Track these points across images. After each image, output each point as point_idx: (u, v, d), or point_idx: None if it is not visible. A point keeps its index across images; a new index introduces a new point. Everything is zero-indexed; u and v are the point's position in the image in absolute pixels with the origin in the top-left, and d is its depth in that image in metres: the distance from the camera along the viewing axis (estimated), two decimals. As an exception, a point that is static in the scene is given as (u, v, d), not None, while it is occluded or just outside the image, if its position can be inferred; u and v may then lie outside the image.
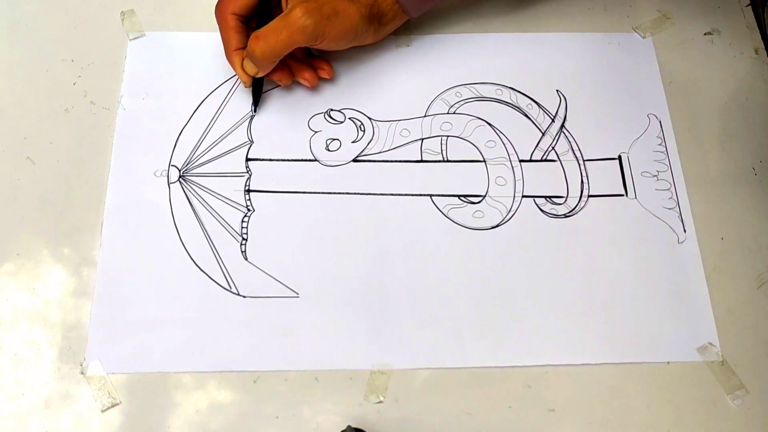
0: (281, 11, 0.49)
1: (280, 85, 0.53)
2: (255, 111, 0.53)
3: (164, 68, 0.55)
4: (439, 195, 0.51)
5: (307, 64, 0.52)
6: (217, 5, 0.50)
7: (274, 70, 0.51)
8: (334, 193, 0.51)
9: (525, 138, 0.53)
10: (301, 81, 0.52)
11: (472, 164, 0.52)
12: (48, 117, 0.52)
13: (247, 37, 0.50)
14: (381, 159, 0.52)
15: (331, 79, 0.53)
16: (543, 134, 0.53)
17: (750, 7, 0.59)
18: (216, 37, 0.55)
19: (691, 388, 0.46)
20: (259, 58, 0.48)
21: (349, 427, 0.42)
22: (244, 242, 0.49)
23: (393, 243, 0.49)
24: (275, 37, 0.47)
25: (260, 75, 0.51)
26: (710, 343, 0.47)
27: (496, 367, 0.46)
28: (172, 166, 0.51)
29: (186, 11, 0.57)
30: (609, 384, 0.46)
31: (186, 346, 0.46)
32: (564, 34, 0.57)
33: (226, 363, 0.46)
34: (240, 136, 0.52)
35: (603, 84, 0.55)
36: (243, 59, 0.50)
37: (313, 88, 0.53)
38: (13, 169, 0.51)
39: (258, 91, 0.53)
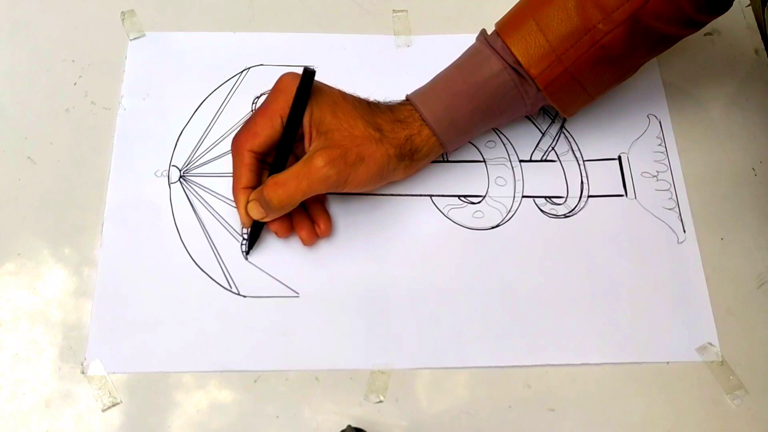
0: (301, 148, 0.47)
1: None
2: (247, 256, 0.48)
3: (164, 68, 0.55)
4: (439, 195, 0.51)
5: (307, 217, 0.48)
6: (235, 138, 0.47)
7: (273, 219, 0.47)
8: (334, 193, 0.51)
9: (525, 138, 0.53)
10: (299, 236, 0.48)
11: (472, 164, 0.52)
12: (48, 117, 0.52)
13: (259, 175, 0.47)
14: (381, 159, 0.52)
15: (325, 238, 0.49)
16: (543, 134, 0.53)
17: (750, 7, 0.59)
18: (216, 36, 0.56)
19: (691, 388, 0.46)
20: (276, 206, 0.44)
21: (349, 427, 0.42)
22: (244, 242, 0.49)
23: (393, 243, 0.49)
24: (295, 186, 0.44)
25: (266, 220, 0.46)
26: (710, 343, 0.47)
27: (496, 367, 0.46)
28: (173, 166, 0.51)
29: (186, 11, 0.57)
30: (608, 383, 0.46)
31: (186, 346, 0.46)
32: (564, 35, 0.57)
33: (227, 363, 0.46)
34: (240, 136, 0.52)
35: (603, 84, 0.55)
36: (248, 200, 0.46)
37: None
38: (13, 169, 0.51)
39: (255, 234, 0.48)
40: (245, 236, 0.49)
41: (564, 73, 0.46)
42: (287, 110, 0.45)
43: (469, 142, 0.52)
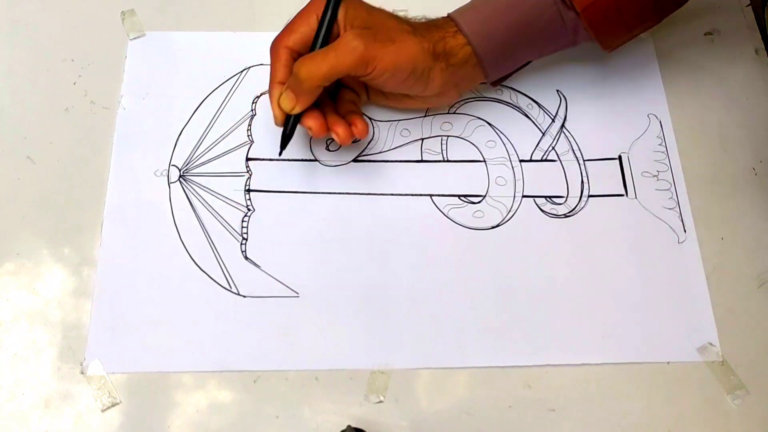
0: None
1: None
2: (280, 154, 0.49)
3: (164, 68, 0.54)
4: (439, 195, 0.51)
5: (341, 118, 0.48)
6: (274, 39, 0.47)
7: (308, 115, 0.47)
8: (334, 193, 0.51)
9: (525, 138, 0.53)
10: (333, 135, 0.47)
11: (473, 164, 0.52)
12: (48, 117, 0.52)
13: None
14: (381, 159, 0.52)
15: (362, 140, 0.49)
16: (543, 134, 0.53)
17: (750, 7, 0.59)
18: (216, 36, 0.56)
19: (691, 388, 0.46)
20: (303, 77, 0.44)
21: (349, 427, 0.42)
22: (244, 242, 0.49)
23: (393, 243, 0.49)
24: (322, 58, 0.44)
25: (297, 111, 0.46)
26: (710, 343, 0.47)
27: (496, 367, 0.46)
28: (173, 165, 0.51)
29: (186, 11, 0.57)
30: (609, 384, 0.46)
31: (186, 346, 0.46)
32: (564, 34, 0.57)
33: (226, 363, 0.46)
34: (240, 135, 0.52)
35: (603, 84, 0.55)
36: (281, 94, 0.46)
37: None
38: (13, 168, 0.51)
39: (289, 131, 0.48)
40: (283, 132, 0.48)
41: None
42: (323, 9, 0.46)
43: (468, 140, 0.52)
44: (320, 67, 0.44)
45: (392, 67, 0.45)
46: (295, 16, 0.47)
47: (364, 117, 0.49)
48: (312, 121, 0.47)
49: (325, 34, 0.46)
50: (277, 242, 0.49)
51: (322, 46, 0.46)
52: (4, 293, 0.47)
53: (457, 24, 0.47)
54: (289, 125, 0.48)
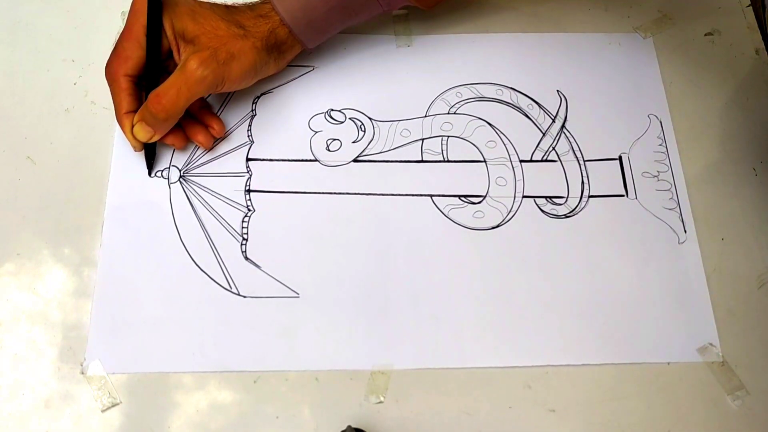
0: (174, 65, 0.48)
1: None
2: (150, 174, 0.50)
3: (164, 68, 0.54)
4: (439, 195, 0.51)
5: (199, 123, 0.50)
6: (107, 66, 0.48)
7: (167, 134, 0.48)
8: (334, 193, 0.51)
9: (525, 138, 0.53)
10: (197, 143, 0.51)
11: (473, 164, 0.52)
12: (48, 117, 0.52)
13: (138, 98, 0.48)
14: (381, 159, 0.52)
15: (222, 138, 0.51)
16: (543, 134, 0.53)
17: (750, 7, 0.59)
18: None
19: (691, 388, 0.46)
20: (162, 118, 0.46)
21: (349, 427, 0.42)
22: (244, 242, 0.49)
23: (393, 243, 0.49)
24: (176, 93, 0.45)
25: (155, 139, 0.48)
26: (710, 344, 0.47)
27: (496, 367, 0.46)
28: (173, 166, 0.51)
29: (186, 11, 0.57)
30: (609, 384, 0.46)
31: (186, 346, 0.46)
32: (564, 34, 0.57)
33: (227, 363, 0.46)
34: (240, 136, 0.52)
35: (603, 84, 0.55)
36: (133, 124, 0.47)
37: (309, 89, 0.53)
38: (13, 169, 0.51)
39: (151, 153, 0.50)
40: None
41: None
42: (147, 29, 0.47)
43: (468, 141, 0.53)
44: (176, 103, 0.46)
45: (239, 80, 0.48)
46: (123, 40, 0.47)
47: (215, 114, 0.52)
48: (172, 138, 0.49)
49: (157, 53, 0.47)
50: (277, 242, 0.49)
51: (157, 63, 0.48)
52: (4, 293, 0.47)
53: (278, 14, 0.48)
54: (149, 150, 0.50)
